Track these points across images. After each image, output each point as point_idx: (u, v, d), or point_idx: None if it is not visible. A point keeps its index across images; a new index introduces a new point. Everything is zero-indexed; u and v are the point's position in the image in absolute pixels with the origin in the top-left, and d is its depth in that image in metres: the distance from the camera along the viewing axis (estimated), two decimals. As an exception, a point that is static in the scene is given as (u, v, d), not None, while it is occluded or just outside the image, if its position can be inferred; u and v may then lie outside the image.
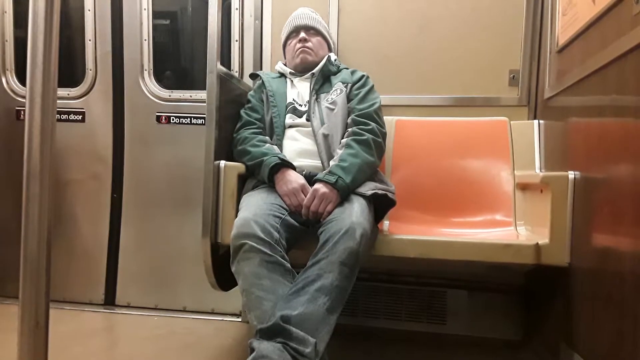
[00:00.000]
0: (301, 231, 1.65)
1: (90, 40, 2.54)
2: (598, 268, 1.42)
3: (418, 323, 2.21)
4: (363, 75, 2.02)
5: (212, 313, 2.41)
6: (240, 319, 2.32)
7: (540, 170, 1.98)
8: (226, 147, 1.90)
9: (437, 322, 2.19)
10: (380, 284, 2.23)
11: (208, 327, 2.22)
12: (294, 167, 1.76)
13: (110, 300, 2.51)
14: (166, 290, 2.48)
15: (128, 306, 2.49)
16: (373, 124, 1.85)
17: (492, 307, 2.15)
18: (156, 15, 2.56)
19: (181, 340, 2.06)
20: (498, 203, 2.05)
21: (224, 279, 1.84)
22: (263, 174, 1.73)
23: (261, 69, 2.40)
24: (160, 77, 2.57)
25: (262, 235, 1.46)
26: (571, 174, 1.62)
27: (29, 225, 0.99)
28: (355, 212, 1.54)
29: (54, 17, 0.97)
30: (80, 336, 2.08)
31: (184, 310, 2.44)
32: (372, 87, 2.00)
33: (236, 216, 1.66)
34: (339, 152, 1.78)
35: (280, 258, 1.46)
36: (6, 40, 2.64)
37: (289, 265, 1.47)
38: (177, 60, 2.73)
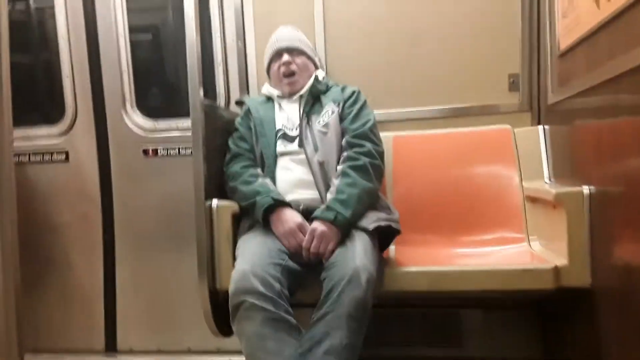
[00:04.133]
0: (304, 274, 1.56)
1: (67, 76, 2.42)
2: (622, 288, 1.33)
3: (433, 348, 2.11)
4: (354, 92, 1.91)
5: (218, 353, 2.31)
6: (245, 358, 2.22)
7: (550, 180, 1.88)
8: (218, 182, 1.80)
9: (452, 345, 2.10)
10: (391, 310, 2.13)
11: (215, 370, 2.13)
12: (289, 205, 1.65)
13: (111, 347, 2.42)
14: (168, 332, 2.38)
15: (130, 352, 2.40)
16: (368, 145, 1.74)
17: (509, 327, 2.05)
18: (135, 35, 2.45)
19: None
20: (508, 217, 1.95)
21: (225, 324, 1.73)
22: (257, 216, 1.63)
23: (248, 92, 2.30)
24: (143, 105, 2.46)
25: (263, 290, 1.36)
26: (586, 189, 1.51)
27: None
28: (359, 252, 1.44)
29: (3, 44, 0.88)
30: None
31: (189, 352, 2.35)
32: (365, 102, 1.89)
33: (233, 260, 1.58)
34: (335, 182, 1.68)
35: (284, 314, 1.36)
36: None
37: (294, 320, 1.38)
38: (160, 88, 2.61)
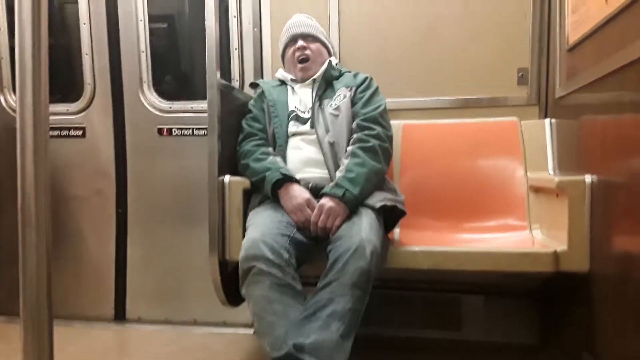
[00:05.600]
0: (311, 246, 1.61)
1: (87, 54, 2.49)
2: (620, 274, 1.37)
3: (433, 330, 2.16)
4: (367, 78, 1.97)
5: (224, 325, 2.36)
6: (252, 331, 2.27)
7: (554, 172, 1.92)
8: (230, 161, 1.86)
9: (452, 329, 2.14)
10: (393, 292, 2.19)
11: (220, 342, 2.18)
12: (297, 181, 1.71)
13: (120, 316, 2.48)
14: (176, 304, 2.44)
15: (139, 321, 2.46)
16: (378, 128, 1.79)
17: (509, 312, 2.10)
18: (153, 23, 2.50)
19: (194, 357, 2.01)
20: (511, 206, 1.99)
21: (234, 295, 1.80)
22: (266, 190, 1.69)
23: (262, 77, 2.35)
24: (160, 85, 2.52)
25: (271, 257, 1.42)
26: (588, 178, 1.56)
27: (26, 245, 0.95)
28: (365, 227, 1.49)
29: (42, 27, 0.92)
30: (91, 355, 2.05)
31: (195, 323, 2.41)
32: (377, 89, 1.94)
33: (243, 233, 1.63)
34: (345, 161, 1.73)
35: (291, 280, 1.42)
36: (2, 57, 2.60)
37: (300, 286, 1.43)
38: (176, 71, 2.68)
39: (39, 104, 0.94)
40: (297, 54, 1.98)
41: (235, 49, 2.39)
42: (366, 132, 1.78)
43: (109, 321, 2.48)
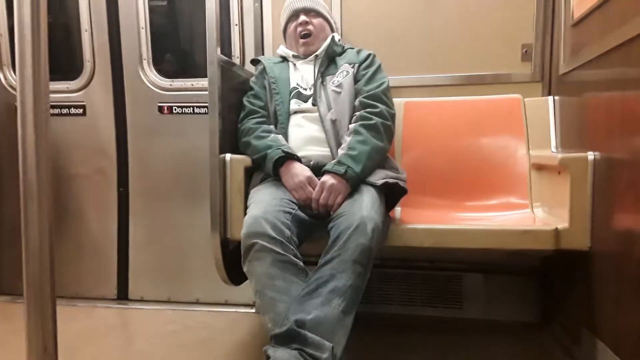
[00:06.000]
0: (312, 224, 1.61)
1: (86, 30, 2.46)
2: (621, 252, 1.37)
3: (434, 308, 2.18)
4: (370, 54, 1.94)
5: (226, 305, 2.38)
6: (254, 310, 2.30)
7: (557, 149, 1.90)
8: (231, 139, 1.85)
9: (453, 306, 2.16)
10: (394, 270, 2.20)
11: (222, 320, 2.21)
12: (299, 159, 1.70)
13: (123, 295, 2.50)
14: (178, 283, 2.46)
15: (141, 300, 2.48)
16: (381, 106, 1.78)
17: (509, 290, 2.11)
18: (152, 1, 2.47)
19: (196, 335, 2.04)
20: (513, 185, 1.99)
21: (236, 274, 1.81)
22: (268, 168, 1.68)
23: (263, 54, 2.33)
24: (160, 63, 2.50)
25: (273, 234, 1.42)
26: (590, 155, 1.55)
27: (28, 221, 0.95)
28: (366, 204, 1.49)
29: (41, 4, 0.91)
30: (94, 334, 2.07)
31: (197, 303, 2.43)
32: (380, 66, 1.92)
33: (245, 211, 1.63)
34: (347, 139, 1.72)
35: (292, 257, 1.42)
36: (0, 34, 2.58)
37: (301, 263, 1.43)
38: (177, 48, 2.65)
39: (39, 81, 0.94)
40: (300, 29, 1.95)
41: (236, 24, 2.35)
42: (369, 109, 1.76)
43: (111, 301, 2.50)
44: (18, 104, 0.93)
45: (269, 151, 1.68)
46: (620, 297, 1.38)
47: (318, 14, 2.00)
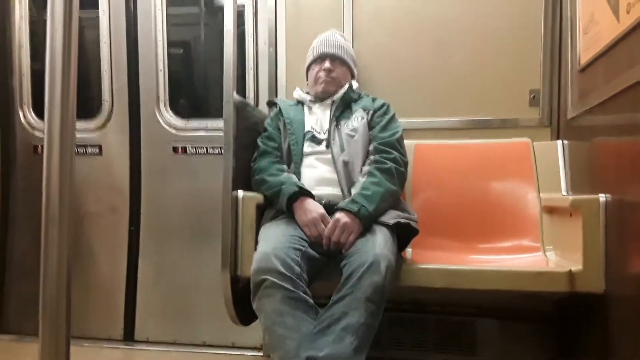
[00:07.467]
0: (323, 263, 1.60)
1: (106, 72, 2.55)
2: (637, 295, 1.34)
3: (446, 354, 2.12)
4: (384, 104, 1.99)
5: (233, 347, 2.35)
6: (261, 353, 2.26)
7: (567, 193, 1.91)
8: (244, 177, 1.87)
9: (466, 352, 2.11)
10: (405, 314, 2.16)
11: (228, 363, 2.17)
12: (313, 196, 1.72)
13: (129, 336, 2.47)
14: (185, 325, 2.43)
15: (147, 342, 2.45)
16: (395, 153, 1.81)
17: (523, 336, 2.06)
18: (171, 45, 2.57)
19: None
20: (524, 227, 1.98)
21: (245, 313, 1.79)
22: (281, 203, 1.69)
23: (276, 96, 2.39)
24: (176, 105, 2.57)
25: (283, 270, 1.42)
26: (602, 197, 1.55)
27: (48, 267, 0.96)
28: (379, 243, 1.49)
29: (72, 50, 0.95)
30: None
31: (204, 345, 2.39)
32: (394, 115, 1.97)
33: (255, 248, 1.63)
34: (361, 180, 1.74)
35: (302, 294, 1.41)
36: (23, 74, 2.67)
37: (311, 300, 1.42)
38: (192, 90, 2.73)
39: (67, 120, 0.95)
40: (322, 74, 2.00)
41: (251, 68, 2.44)
42: (383, 155, 1.80)
43: (117, 341, 2.46)
44: (45, 149, 0.93)
45: (283, 187, 1.70)
46: (637, 341, 1.34)
47: (343, 62, 2.05)
